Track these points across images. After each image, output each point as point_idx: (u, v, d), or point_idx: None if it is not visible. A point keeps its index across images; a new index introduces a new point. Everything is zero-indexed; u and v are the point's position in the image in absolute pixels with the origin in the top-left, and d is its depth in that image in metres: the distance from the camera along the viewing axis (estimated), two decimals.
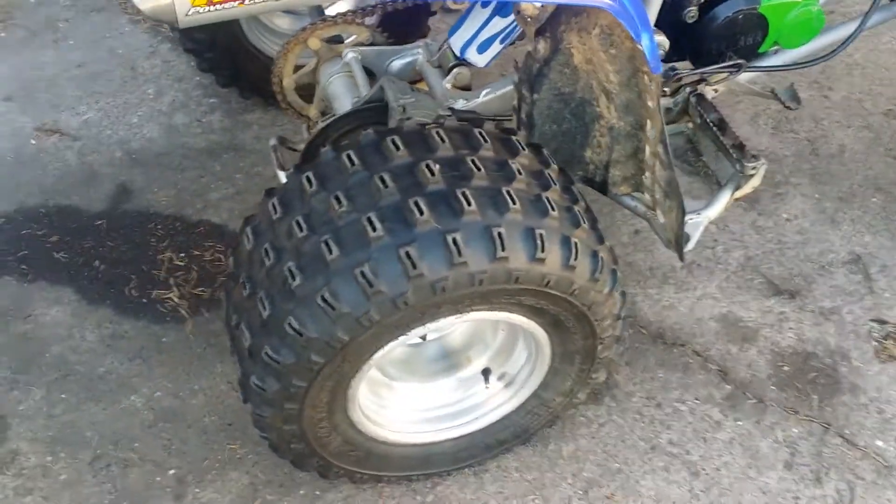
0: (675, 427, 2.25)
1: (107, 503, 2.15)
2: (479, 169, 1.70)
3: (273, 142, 2.38)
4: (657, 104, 1.90)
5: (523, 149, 1.82)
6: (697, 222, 2.14)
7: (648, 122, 1.96)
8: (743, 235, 2.67)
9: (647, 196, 2.13)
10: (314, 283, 1.62)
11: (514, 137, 1.84)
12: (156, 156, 2.91)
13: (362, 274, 1.59)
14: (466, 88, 2.39)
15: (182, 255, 2.62)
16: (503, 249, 1.62)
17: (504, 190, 1.68)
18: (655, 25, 2.10)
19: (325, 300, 1.60)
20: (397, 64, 2.43)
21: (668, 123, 2.35)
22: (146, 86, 3.14)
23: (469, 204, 1.63)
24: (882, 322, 2.48)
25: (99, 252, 2.66)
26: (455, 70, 2.33)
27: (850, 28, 2.36)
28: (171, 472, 2.19)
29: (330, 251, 1.62)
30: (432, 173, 1.67)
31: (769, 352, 2.41)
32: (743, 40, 2.24)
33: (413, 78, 2.46)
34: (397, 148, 1.72)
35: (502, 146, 1.80)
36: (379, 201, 1.65)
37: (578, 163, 2.14)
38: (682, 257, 2.06)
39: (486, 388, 2.07)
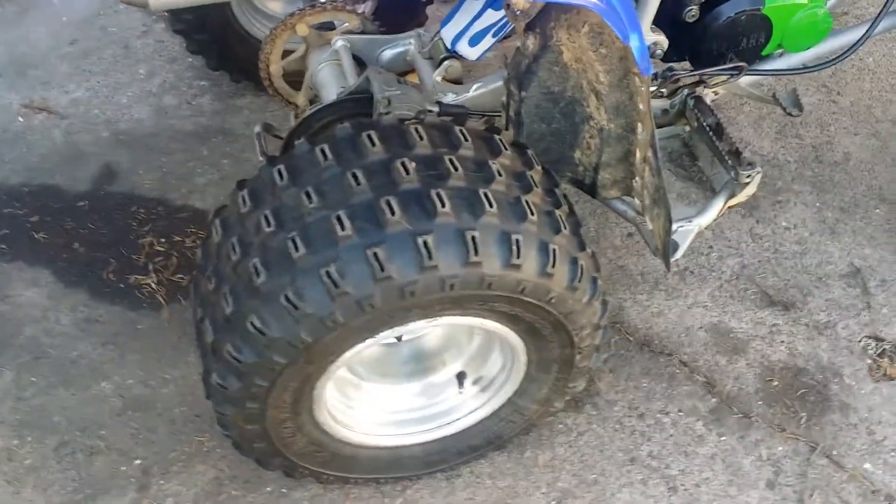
0: (656, 439, 2.19)
1: (70, 490, 2.11)
2: (456, 169, 1.64)
3: (258, 129, 2.32)
4: (648, 107, 1.83)
5: (506, 149, 1.75)
6: (688, 230, 2.07)
7: (639, 125, 1.89)
8: (739, 243, 2.59)
9: (637, 201, 2.06)
10: (278, 281, 1.56)
11: (496, 137, 1.77)
12: (143, 137, 2.85)
13: (328, 274, 1.53)
14: (458, 82, 2.32)
15: (163, 240, 2.57)
16: (476, 254, 1.56)
17: (481, 192, 1.62)
18: (655, 23, 2.03)
19: (288, 299, 1.55)
20: (388, 54, 2.36)
21: (664, 125, 2.28)
22: (137, 66, 3.08)
23: (443, 205, 1.57)
24: (878, 339, 2.40)
25: (79, 234, 2.61)
26: (446, 62, 2.25)
27: (858, 33, 2.27)
28: (137, 462, 2.15)
29: (296, 249, 1.56)
30: (407, 171, 1.61)
31: (759, 365, 2.33)
32: (745, 42, 2.16)
33: (405, 69, 2.39)
34: (373, 144, 1.66)
35: (484, 145, 1.74)
36: (350, 199, 1.59)
37: (567, 164, 2.07)
38: (668, 266, 1.99)
39: (460, 392, 2.01)
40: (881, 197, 2.72)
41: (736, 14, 2.09)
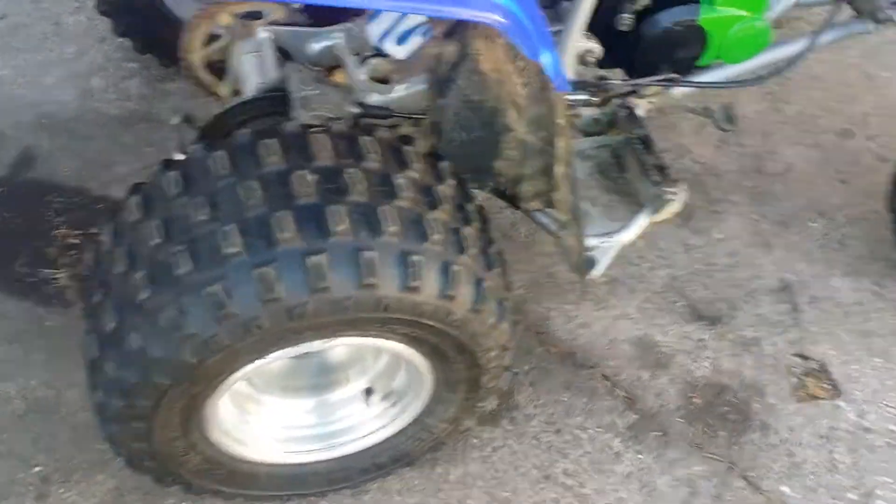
0: (572, 456, 2.14)
1: None
2: (358, 183, 1.56)
3: (176, 120, 2.22)
4: (566, 122, 1.76)
5: (415, 161, 1.68)
6: (608, 246, 2.01)
7: (558, 139, 1.82)
8: (671, 253, 2.54)
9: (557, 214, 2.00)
10: (161, 299, 1.48)
11: (405, 148, 1.69)
12: (65, 121, 2.75)
13: (213, 294, 1.46)
14: (386, 81, 2.23)
15: (78, 232, 2.47)
16: (371, 276, 1.49)
17: (382, 208, 1.54)
18: (590, 30, 1.96)
19: (170, 319, 1.47)
20: (315, 47, 2.26)
21: (594, 135, 2.22)
22: (67, 44, 2.97)
23: (339, 222, 1.49)
24: (805, 357, 2.36)
25: None
26: (373, 60, 2.16)
27: (800, 46, 2.21)
28: (37, 468, 2.07)
29: (181, 265, 1.48)
30: (305, 185, 1.53)
31: (681, 381, 2.29)
32: (679, 53, 2.10)
33: (333, 63, 2.30)
34: (272, 153, 1.58)
35: (391, 157, 1.66)
36: (243, 212, 1.51)
37: (488, 174, 1.99)
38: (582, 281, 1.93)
39: (367, 407, 1.95)
40: (819, 211, 2.68)
41: (671, 25, 2.03)
